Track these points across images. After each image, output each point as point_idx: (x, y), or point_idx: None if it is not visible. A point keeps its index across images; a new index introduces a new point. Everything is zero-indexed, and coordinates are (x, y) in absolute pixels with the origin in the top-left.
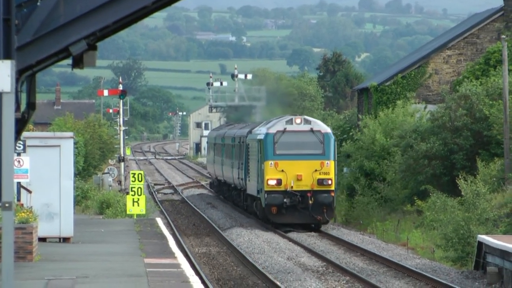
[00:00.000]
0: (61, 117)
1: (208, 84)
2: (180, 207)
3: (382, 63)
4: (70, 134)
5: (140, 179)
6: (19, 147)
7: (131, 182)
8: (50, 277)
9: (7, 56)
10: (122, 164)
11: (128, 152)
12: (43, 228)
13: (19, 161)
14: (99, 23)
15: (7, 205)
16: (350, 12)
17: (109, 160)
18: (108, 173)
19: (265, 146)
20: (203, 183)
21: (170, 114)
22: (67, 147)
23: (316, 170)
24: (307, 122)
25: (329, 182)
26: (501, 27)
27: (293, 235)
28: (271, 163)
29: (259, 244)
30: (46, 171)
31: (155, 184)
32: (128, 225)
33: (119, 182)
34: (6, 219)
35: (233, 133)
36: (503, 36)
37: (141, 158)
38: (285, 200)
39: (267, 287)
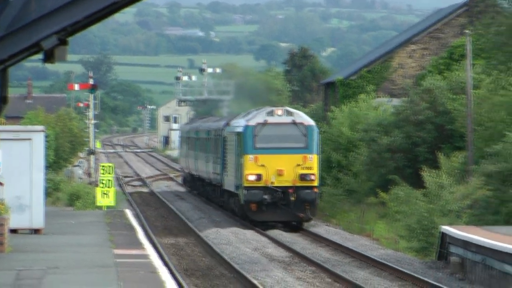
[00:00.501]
0: (32, 111)
1: (177, 78)
2: (149, 199)
3: (348, 58)
4: (41, 127)
5: (109, 172)
6: None
7: (101, 175)
8: (21, 268)
9: None
10: (92, 157)
11: (98, 145)
12: (14, 220)
13: None
14: (70, 19)
15: None
16: (316, 7)
17: (79, 153)
18: (79, 165)
19: (244, 139)
20: (171, 175)
21: (140, 108)
22: (38, 140)
23: (298, 165)
24: (289, 113)
25: (312, 177)
26: (465, 22)
27: (260, 226)
28: (250, 157)
29: (226, 235)
30: (17, 163)
31: (124, 177)
32: (98, 217)
33: (89, 175)
34: None
35: (208, 126)
36: (467, 31)
37: (111, 151)
38: (265, 196)
39: (233, 278)
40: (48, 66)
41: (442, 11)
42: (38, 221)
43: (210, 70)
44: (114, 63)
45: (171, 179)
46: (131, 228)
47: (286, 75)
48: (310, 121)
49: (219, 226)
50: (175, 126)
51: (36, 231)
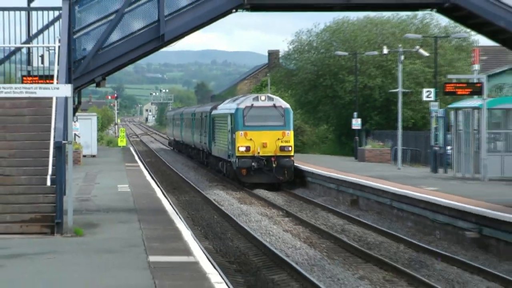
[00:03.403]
0: (91, 107)
1: (151, 94)
2: (139, 143)
3: (222, 87)
4: (95, 114)
5: (123, 132)
6: (75, 119)
7: (120, 133)
8: (87, 171)
9: (69, 82)
10: (116, 126)
11: (118, 121)
12: (85, 151)
13: (75, 125)
14: (106, 69)
15: (69, 142)
16: (207, 65)
17: (111, 124)
18: (111, 130)
19: (236, 119)
20: (149, 133)
21: (136, 106)
22: (94, 119)
23: (278, 139)
24: (270, 99)
25: (290, 148)
26: (267, 70)
27: (193, 162)
28: (241, 133)
29: (172, 160)
30: (86, 128)
31: (129, 133)
32: (119, 151)
33: (115, 133)
34: (70, 148)
35: (192, 111)
36: (268, 74)
37: (123, 123)
38: (253, 163)
39: (174, 174)
40: (98, 89)
41: (258, 66)
42: (94, 151)
43: (163, 91)
44: (125, 87)
45: (149, 135)
46: (132, 155)
47: (195, 93)
48: (286, 105)
49: (168, 155)
50: (150, 113)
51: (93, 156)
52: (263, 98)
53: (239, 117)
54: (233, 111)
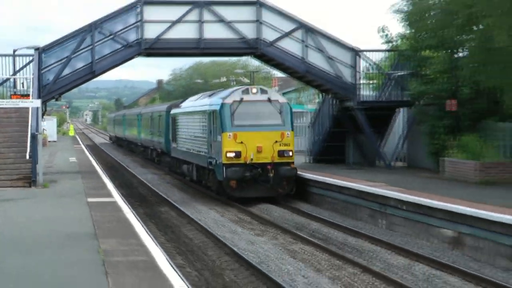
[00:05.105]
0: (53, 113)
1: (88, 105)
2: (83, 135)
3: (146, 88)
4: (55, 117)
5: (72, 127)
6: (43, 119)
7: (70, 128)
8: (51, 150)
9: (39, 98)
10: (68, 123)
11: (69, 121)
12: (50, 138)
13: (42, 123)
14: (61, 91)
15: (40, 133)
16: (125, 88)
17: (64, 123)
18: (65, 126)
19: (222, 117)
20: (88, 128)
21: (79, 112)
22: (55, 120)
23: (276, 142)
24: (263, 92)
25: (290, 153)
26: (156, 91)
27: (150, 164)
28: (229, 135)
29: (109, 149)
30: (50, 126)
31: (76, 128)
32: (70, 139)
33: (67, 128)
34: (40, 137)
35: (137, 112)
36: (156, 94)
37: (72, 122)
38: (246, 173)
39: (109, 157)
40: (57, 102)
41: (151, 88)
42: (55, 139)
43: (96, 103)
44: (72, 101)
45: (88, 129)
46: (78, 140)
47: (115, 104)
48: (284, 99)
49: (108, 147)
50: (88, 117)
51: (55, 141)
52: (254, 90)
53: (226, 114)
54: (216, 108)
